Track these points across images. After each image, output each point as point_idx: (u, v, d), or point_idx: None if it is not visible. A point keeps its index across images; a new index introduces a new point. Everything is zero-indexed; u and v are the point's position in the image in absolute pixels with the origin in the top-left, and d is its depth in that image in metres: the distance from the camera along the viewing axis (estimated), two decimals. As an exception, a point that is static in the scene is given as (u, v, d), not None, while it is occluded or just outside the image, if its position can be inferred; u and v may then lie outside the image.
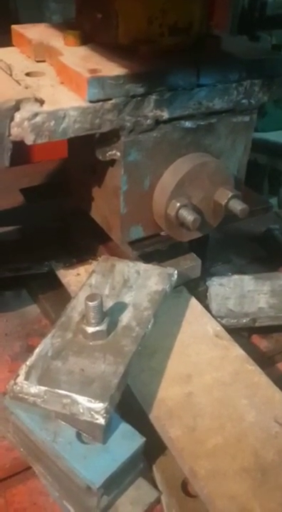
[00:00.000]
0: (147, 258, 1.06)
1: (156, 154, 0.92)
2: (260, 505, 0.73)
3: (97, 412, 0.74)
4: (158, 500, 0.84)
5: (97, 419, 0.74)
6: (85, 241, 1.20)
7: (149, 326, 0.89)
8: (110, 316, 0.86)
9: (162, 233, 1.04)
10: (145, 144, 0.89)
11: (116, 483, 0.79)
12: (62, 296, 1.13)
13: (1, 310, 1.19)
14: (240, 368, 0.92)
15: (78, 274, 1.15)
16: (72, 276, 1.14)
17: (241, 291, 1.12)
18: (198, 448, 0.80)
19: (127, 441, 0.79)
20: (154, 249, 1.07)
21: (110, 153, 0.88)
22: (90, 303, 0.82)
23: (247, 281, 1.14)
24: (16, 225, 1.28)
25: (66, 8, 3.48)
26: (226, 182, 0.97)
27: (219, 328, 1.00)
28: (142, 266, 1.01)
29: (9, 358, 1.07)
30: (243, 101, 0.95)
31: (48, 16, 3.61)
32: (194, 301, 1.05)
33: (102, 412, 0.74)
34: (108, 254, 1.10)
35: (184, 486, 0.86)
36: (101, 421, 0.74)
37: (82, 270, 1.16)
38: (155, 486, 0.86)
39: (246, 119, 0.98)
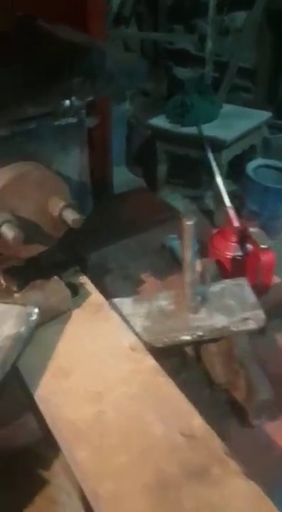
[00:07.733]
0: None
1: None
2: None
3: None
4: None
5: None
6: None
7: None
8: None
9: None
10: None
11: None
12: None
13: None
14: (151, 379, 0.89)
15: None
16: None
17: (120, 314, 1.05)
18: (102, 468, 0.77)
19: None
20: (11, 265, 1.00)
21: None
22: None
23: (126, 304, 1.07)
24: None
25: None
26: (58, 190, 0.90)
27: (134, 338, 0.96)
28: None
29: None
30: (63, 102, 0.88)
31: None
32: (112, 314, 1.01)
33: None
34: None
35: None
36: None
37: None
38: None
39: (73, 120, 0.91)
